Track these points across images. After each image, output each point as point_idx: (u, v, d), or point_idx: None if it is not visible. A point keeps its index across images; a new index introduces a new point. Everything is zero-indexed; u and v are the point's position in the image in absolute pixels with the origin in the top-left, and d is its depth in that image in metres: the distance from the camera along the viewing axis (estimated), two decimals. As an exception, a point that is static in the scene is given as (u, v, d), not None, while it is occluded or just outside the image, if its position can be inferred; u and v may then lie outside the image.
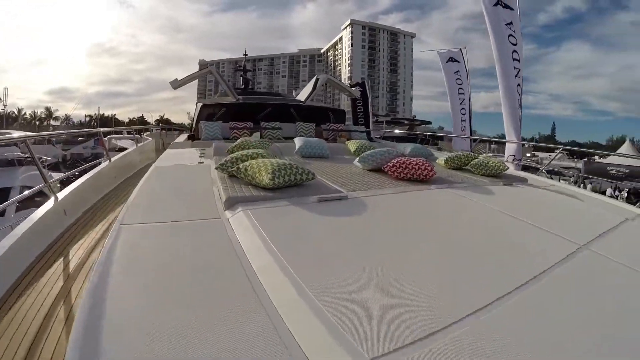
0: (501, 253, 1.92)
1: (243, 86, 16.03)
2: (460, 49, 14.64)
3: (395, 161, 3.49)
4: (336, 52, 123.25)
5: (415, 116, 54.33)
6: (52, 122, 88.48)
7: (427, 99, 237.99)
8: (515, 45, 9.85)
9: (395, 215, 2.49)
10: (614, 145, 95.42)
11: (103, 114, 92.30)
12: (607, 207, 3.31)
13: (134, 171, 7.96)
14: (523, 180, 4.01)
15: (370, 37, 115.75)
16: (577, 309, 1.44)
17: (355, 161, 4.10)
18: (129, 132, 32.98)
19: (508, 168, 4.19)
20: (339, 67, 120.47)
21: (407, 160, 3.42)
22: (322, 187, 2.89)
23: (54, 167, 24.43)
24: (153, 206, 2.55)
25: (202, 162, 4.25)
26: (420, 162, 3.37)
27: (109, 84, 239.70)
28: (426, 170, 3.28)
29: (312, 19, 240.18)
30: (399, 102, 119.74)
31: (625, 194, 16.80)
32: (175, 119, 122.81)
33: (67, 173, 5.50)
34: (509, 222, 2.42)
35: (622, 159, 24.02)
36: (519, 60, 9.79)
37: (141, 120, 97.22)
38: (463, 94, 14.58)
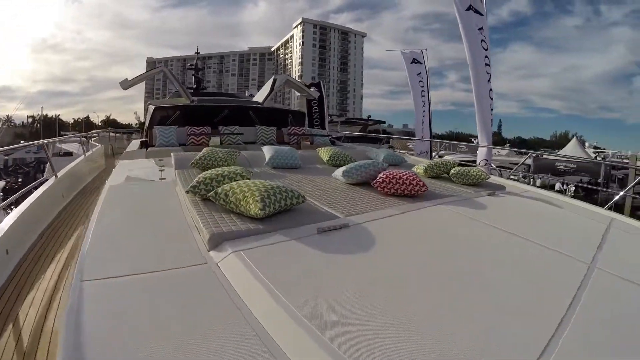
0: (517, 280, 1.84)
1: (195, 86, 15.56)
2: (422, 51, 14.97)
3: (383, 176, 3.32)
4: (287, 51, 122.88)
5: (369, 116, 54.98)
6: None
7: (377, 98, 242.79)
8: (486, 50, 10.11)
9: (402, 242, 2.27)
10: (558, 141, 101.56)
11: (47, 115, 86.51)
12: (583, 212, 3.52)
13: (84, 184, 7.30)
14: (501, 188, 4.04)
15: (321, 36, 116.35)
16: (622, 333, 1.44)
17: (338, 174, 3.81)
18: (73, 135, 31.67)
19: (489, 177, 4.24)
20: (289, 66, 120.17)
21: (395, 175, 3.28)
22: (315, 212, 2.61)
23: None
24: (117, 248, 2.06)
25: (164, 179, 3.87)
26: (409, 176, 3.25)
27: (53, 83, 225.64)
28: (417, 186, 3.19)
29: (263, 17, 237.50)
30: (350, 101, 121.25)
31: (573, 187, 17.90)
32: (123, 119, 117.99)
33: (4, 203, 4.72)
34: (511, 242, 2.35)
35: (569, 154, 25.44)
36: (489, 66, 10.06)
37: (87, 121, 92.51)
38: (424, 96, 14.93)
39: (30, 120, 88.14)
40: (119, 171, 4.41)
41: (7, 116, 78.00)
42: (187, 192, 2.78)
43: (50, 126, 76.50)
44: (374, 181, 3.35)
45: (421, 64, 14.75)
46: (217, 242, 2.01)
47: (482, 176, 4.05)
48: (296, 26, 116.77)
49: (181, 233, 2.25)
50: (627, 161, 23.49)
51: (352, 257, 1.97)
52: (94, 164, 8.72)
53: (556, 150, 54.10)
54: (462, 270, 1.91)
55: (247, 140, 7.19)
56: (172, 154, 4.78)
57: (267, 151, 4.85)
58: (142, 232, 2.31)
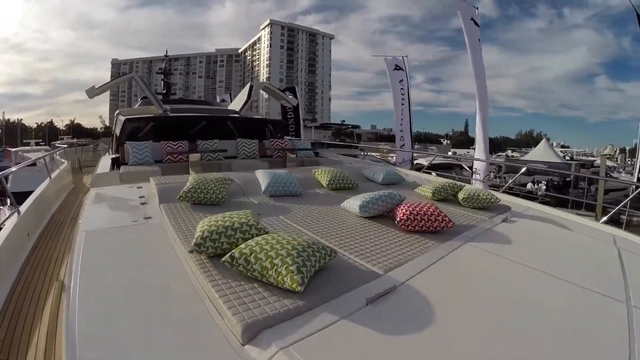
0: (570, 332, 1.78)
1: (164, 91, 15.11)
2: (403, 58, 14.93)
3: (407, 212, 3.12)
4: (254, 53, 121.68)
5: (343, 121, 55.10)
6: None
7: (344, 99, 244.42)
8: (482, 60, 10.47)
9: (454, 303, 2.03)
10: (523, 139, 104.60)
11: (9, 120, 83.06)
12: (587, 230, 3.75)
13: (51, 213, 6.13)
14: (507, 209, 4.11)
15: (289, 37, 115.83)
16: None
17: (353, 208, 3.48)
18: (37, 143, 30.25)
19: (500, 200, 4.20)
20: (256, 68, 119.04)
21: (418, 210, 3.12)
22: (350, 269, 2.26)
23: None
24: (117, 340, 1.58)
25: (149, 218, 3.29)
26: (432, 210, 3.11)
27: (14, 85, 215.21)
28: (443, 222, 3.05)
29: (230, 18, 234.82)
30: (318, 103, 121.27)
31: (544, 186, 18.56)
32: (87, 123, 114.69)
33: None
34: (547, 283, 2.31)
35: (540, 155, 26.20)
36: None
37: (50, 126, 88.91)
38: (404, 103, 14.89)
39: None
40: (93, 208, 3.69)
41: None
42: (190, 251, 2.27)
43: (12, 131, 73.14)
44: (398, 220, 3.14)
45: (402, 70, 14.73)
46: (253, 333, 1.57)
47: (492, 200, 4.07)
48: (264, 28, 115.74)
49: (195, 315, 1.76)
50: (593, 159, 24.35)
51: (412, 330, 1.71)
52: (60, 183, 7.78)
53: (523, 149, 56.10)
54: (519, 325, 1.82)
55: (228, 154, 6.95)
56: (151, 179, 4.39)
57: (263, 178, 4.39)
58: (142, 314, 1.78)
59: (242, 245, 2.07)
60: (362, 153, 14.27)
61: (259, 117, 10.04)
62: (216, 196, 3.66)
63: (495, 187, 13.64)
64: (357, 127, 38.42)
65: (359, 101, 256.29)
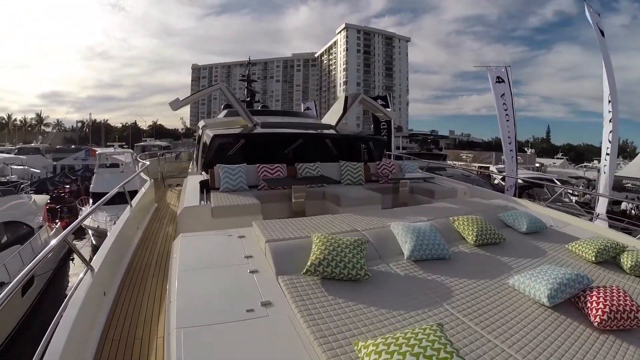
0: None
1: (248, 98, 14.68)
2: (506, 68, 13.20)
3: (599, 304, 2.46)
4: (330, 57, 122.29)
5: (433, 131, 53.43)
6: (44, 129, 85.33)
7: (420, 102, 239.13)
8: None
9: None
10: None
11: (95, 120, 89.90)
12: None
13: (129, 258, 4.92)
14: None
15: (365, 41, 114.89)
16: None
17: (539, 295, 2.63)
18: (120, 146, 31.70)
19: None
20: (333, 72, 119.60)
21: (616, 304, 2.44)
22: None
23: (41, 184, 22.49)
24: None
25: (269, 304, 2.42)
26: (631, 304, 2.46)
27: (101, 88, 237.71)
28: None
29: (305, 23, 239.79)
30: (395, 108, 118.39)
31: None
32: (168, 124, 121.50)
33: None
34: None
35: (638, 169, 23.04)
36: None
37: (134, 126, 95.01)
38: (509, 120, 13.12)
39: (79, 124, 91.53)
40: (184, 280, 2.72)
41: (58, 120, 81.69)
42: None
43: (98, 131, 78.91)
44: (598, 321, 2.41)
45: (504, 82, 13.00)
46: None
47: None
48: (340, 32, 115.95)
49: None
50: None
51: None
52: (142, 208, 6.80)
53: (621, 161, 50.97)
54: None
55: (329, 178, 6.22)
56: (255, 226, 3.66)
57: (403, 235, 3.43)
58: None
59: None
60: (451, 165, 12.80)
61: (359, 134, 9.00)
62: (357, 271, 2.76)
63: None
64: (445, 137, 36.46)
65: (435, 105, 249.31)
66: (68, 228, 3.57)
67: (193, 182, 6.19)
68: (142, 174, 9.59)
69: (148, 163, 9.76)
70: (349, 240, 3.00)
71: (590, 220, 7.57)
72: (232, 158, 6.36)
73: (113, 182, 16.84)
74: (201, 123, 8.05)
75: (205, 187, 5.78)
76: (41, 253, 2.88)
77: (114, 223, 13.44)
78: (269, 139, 7.04)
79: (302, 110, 17.65)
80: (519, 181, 13.61)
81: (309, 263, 2.73)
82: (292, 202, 5.39)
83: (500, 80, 12.96)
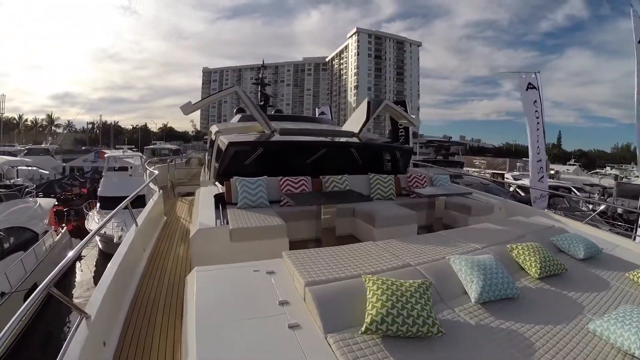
0: None
1: (262, 102, 14.15)
2: (536, 74, 12.53)
3: None
4: (342, 61, 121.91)
5: (449, 137, 52.86)
6: (54, 130, 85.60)
7: (431, 107, 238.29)
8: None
9: None
10: (620, 153, 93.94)
11: (105, 122, 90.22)
12: None
13: (135, 288, 4.21)
14: None
15: (376, 45, 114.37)
16: None
17: (626, 342, 2.21)
18: (130, 149, 31.37)
19: None
20: (344, 77, 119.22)
21: None
22: None
23: (49, 187, 22.11)
24: None
25: None
26: None
27: (112, 90, 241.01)
28: None
29: (315, 27, 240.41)
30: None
31: None
32: (179, 126, 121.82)
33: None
34: None
35: None
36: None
37: (144, 128, 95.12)
38: (539, 129, 12.45)
39: (90, 126, 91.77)
40: (203, 331, 2.17)
41: (68, 121, 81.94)
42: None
43: (108, 132, 79.10)
44: None
45: (536, 89, 12.33)
46: None
47: None
48: (351, 36, 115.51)
49: None
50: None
51: None
52: (150, 223, 6.05)
53: (624, 166, 49.82)
54: None
55: (363, 195, 5.65)
56: (286, 259, 3.08)
57: (467, 272, 2.86)
58: None
59: None
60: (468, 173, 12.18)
61: (385, 142, 8.46)
62: (428, 327, 2.19)
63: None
64: (463, 144, 35.79)
65: (445, 110, 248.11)
66: (83, 240, 3.35)
67: (206, 195, 5.53)
68: (148, 172, 9.04)
69: (157, 173, 8.84)
70: (411, 285, 2.41)
71: (634, 239, 6.94)
72: (249, 168, 5.83)
73: (121, 186, 16.40)
74: (214, 128, 7.52)
75: (221, 202, 5.20)
76: (56, 269, 2.62)
77: (121, 229, 13.01)
78: (290, 147, 6.51)
79: (317, 115, 17.08)
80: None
81: (368, 319, 2.15)
82: (319, 220, 4.88)
83: (532, 86, 12.32)
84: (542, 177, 12.49)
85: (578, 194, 21.10)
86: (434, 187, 6.48)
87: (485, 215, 6.08)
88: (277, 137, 6.37)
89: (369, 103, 7.36)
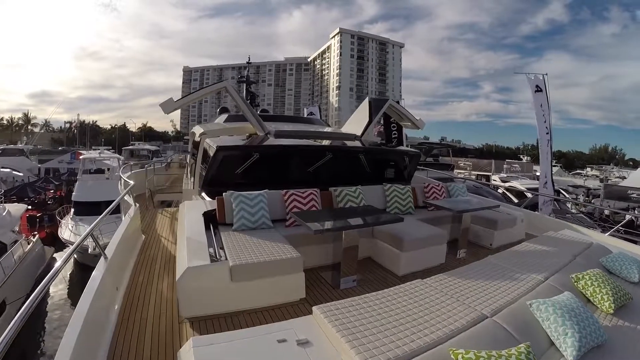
0: None
1: (248, 101, 13.46)
2: (543, 76, 12.09)
3: None
4: (324, 61, 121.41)
5: (442, 138, 53.02)
6: (31, 129, 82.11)
7: (412, 109, 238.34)
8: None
9: None
10: (597, 154, 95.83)
11: (83, 121, 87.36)
12: None
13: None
14: None
15: (359, 46, 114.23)
16: None
17: None
18: (107, 149, 30.15)
19: None
20: (326, 77, 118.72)
21: None
22: None
23: (21, 191, 20.92)
24: None
25: None
26: None
27: (92, 89, 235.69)
28: None
29: (298, 27, 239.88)
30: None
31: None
32: (158, 126, 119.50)
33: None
34: None
35: None
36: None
37: (123, 128, 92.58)
38: (548, 132, 12.07)
39: (67, 125, 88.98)
40: None
41: (45, 120, 79.36)
42: None
43: (86, 131, 76.89)
44: None
45: (542, 92, 11.93)
46: None
47: None
48: (334, 36, 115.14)
49: None
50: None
51: None
52: (127, 237, 4.66)
53: (603, 167, 50.57)
54: None
55: (371, 205, 4.94)
56: (320, 314, 2.34)
57: (557, 321, 2.29)
58: None
59: None
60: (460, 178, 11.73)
61: (394, 147, 7.64)
62: None
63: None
64: (454, 146, 35.51)
65: (426, 111, 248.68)
66: (64, 256, 2.78)
67: (193, 212, 4.41)
68: (122, 180, 7.31)
69: (132, 183, 6.58)
70: (510, 355, 1.83)
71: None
72: (241, 177, 5.12)
73: (97, 191, 15.30)
74: (198, 129, 6.70)
75: (212, 222, 4.26)
76: (45, 280, 2.26)
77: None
78: (291, 153, 5.73)
79: (305, 116, 16.38)
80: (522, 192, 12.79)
81: None
82: (337, 243, 3.96)
83: (539, 89, 11.91)
84: (546, 182, 12.17)
85: (567, 195, 21.11)
86: (456, 200, 5.90)
87: (508, 229, 5.61)
88: (271, 141, 5.62)
89: (370, 103, 6.76)
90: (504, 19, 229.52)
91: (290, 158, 5.74)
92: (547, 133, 11.87)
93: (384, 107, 6.70)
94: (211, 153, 5.03)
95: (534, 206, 12.80)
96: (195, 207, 4.65)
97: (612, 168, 49.40)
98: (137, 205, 5.70)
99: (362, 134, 6.39)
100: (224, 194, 4.35)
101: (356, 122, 6.82)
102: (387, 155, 6.78)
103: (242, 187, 4.69)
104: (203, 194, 5.19)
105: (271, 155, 5.52)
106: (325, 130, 7.88)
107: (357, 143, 6.25)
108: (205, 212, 4.34)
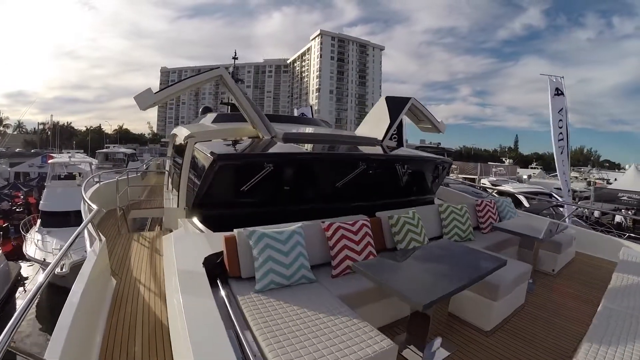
0: None
1: (232, 102, 12.29)
2: (560, 79, 11.39)
3: None
4: (303, 63, 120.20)
5: (439, 144, 53.28)
6: (4, 130, 77.72)
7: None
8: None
9: None
10: (573, 156, 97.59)
11: (57, 122, 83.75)
12: None
13: None
14: None
15: (339, 48, 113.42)
16: None
17: None
18: (78, 152, 28.44)
19: None
20: (305, 79, 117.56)
21: None
22: None
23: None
24: None
25: None
26: None
27: (68, 89, 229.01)
28: None
29: (277, 29, 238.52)
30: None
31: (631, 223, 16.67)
32: (135, 128, 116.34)
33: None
34: None
35: (631, 182, 22.37)
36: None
37: (98, 131, 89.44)
38: (563, 139, 11.40)
39: (41, 127, 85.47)
40: None
41: (18, 121, 76.01)
42: None
43: (61, 134, 73.92)
44: None
45: (562, 96, 11.21)
46: None
47: None
48: (314, 38, 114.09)
49: None
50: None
51: None
52: (92, 289, 2.92)
53: (582, 169, 50.91)
54: None
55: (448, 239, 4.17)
56: None
57: None
58: None
59: None
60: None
61: (431, 155, 6.18)
62: None
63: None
64: (451, 150, 34.99)
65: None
66: (32, 291, 2.13)
67: (186, 255, 3.00)
68: (89, 226, 3.88)
69: (96, 209, 4.19)
70: None
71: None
72: (250, 195, 3.79)
73: (67, 199, 13.49)
74: (181, 130, 5.46)
75: (219, 275, 2.83)
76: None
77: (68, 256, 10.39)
78: (314, 163, 4.36)
79: (295, 115, 15.27)
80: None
81: None
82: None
83: (559, 92, 11.15)
84: (568, 191, 11.56)
85: (560, 199, 20.73)
86: (521, 220, 5.00)
87: (565, 251, 4.67)
88: (279, 146, 4.42)
89: (387, 101, 5.77)
90: (482, 23, 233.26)
91: (312, 170, 4.30)
92: (562, 140, 11.17)
93: (406, 107, 5.69)
94: (205, 163, 3.70)
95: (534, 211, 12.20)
96: (188, 246, 3.24)
97: (591, 170, 49.86)
98: (104, 239, 3.82)
99: (384, 138, 5.40)
100: (235, 231, 2.92)
101: (373, 124, 5.80)
102: (424, 164, 5.48)
103: (247, 207, 3.64)
104: (194, 219, 3.88)
105: (290, 166, 4.05)
106: (342, 133, 6.75)
107: (378, 149, 5.26)
108: (206, 261, 2.86)
